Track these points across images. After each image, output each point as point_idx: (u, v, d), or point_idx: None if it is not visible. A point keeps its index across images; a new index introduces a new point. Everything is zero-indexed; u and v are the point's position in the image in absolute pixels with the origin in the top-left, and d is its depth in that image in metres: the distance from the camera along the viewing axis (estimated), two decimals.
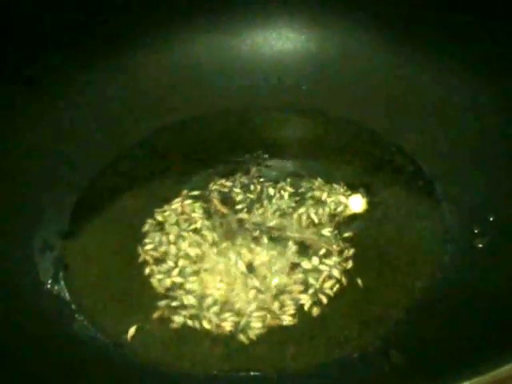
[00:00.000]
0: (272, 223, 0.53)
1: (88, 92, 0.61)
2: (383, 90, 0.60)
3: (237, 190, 0.55)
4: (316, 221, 0.53)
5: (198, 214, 0.54)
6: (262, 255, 0.50)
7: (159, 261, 0.51)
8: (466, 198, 0.53)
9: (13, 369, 0.43)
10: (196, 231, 0.52)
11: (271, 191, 0.55)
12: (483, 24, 0.56)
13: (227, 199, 0.55)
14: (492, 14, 0.55)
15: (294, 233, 0.52)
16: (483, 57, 0.56)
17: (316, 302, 0.48)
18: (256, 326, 0.47)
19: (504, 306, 0.44)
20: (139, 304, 0.49)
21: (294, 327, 0.47)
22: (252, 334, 0.47)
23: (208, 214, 0.54)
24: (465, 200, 0.53)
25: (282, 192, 0.55)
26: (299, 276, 0.49)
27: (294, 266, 0.50)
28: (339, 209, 0.54)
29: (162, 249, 0.52)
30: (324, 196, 0.54)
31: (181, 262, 0.51)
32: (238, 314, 0.48)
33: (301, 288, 0.49)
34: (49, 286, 0.50)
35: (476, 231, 0.50)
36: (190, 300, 0.48)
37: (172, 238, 0.52)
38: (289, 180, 0.56)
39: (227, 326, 0.47)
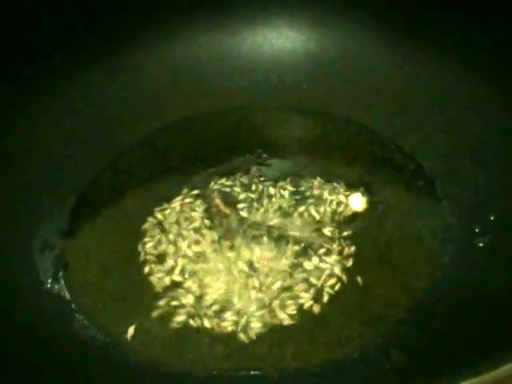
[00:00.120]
0: (272, 222, 0.53)
1: (88, 92, 0.61)
2: (383, 89, 0.60)
3: (237, 189, 0.55)
4: (316, 220, 0.53)
5: (198, 212, 0.54)
6: (262, 254, 0.50)
7: (159, 260, 0.51)
8: (466, 196, 0.53)
9: (13, 368, 0.43)
10: (196, 230, 0.52)
11: (271, 190, 0.55)
12: (483, 24, 0.56)
13: (229, 199, 0.55)
14: (492, 13, 0.55)
15: (295, 232, 0.52)
16: (483, 56, 0.56)
17: (316, 301, 0.48)
18: (256, 326, 0.47)
19: (504, 305, 0.44)
20: (139, 303, 0.49)
21: (295, 326, 0.47)
22: (252, 334, 0.47)
23: (208, 212, 0.54)
24: (465, 199, 0.53)
25: (283, 191, 0.55)
26: (300, 275, 0.49)
27: (295, 265, 0.50)
28: (339, 208, 0.54)
29: (162, 248, 0.52)
30: (324, 195, 0.54)
31: (181, 261, 0.51)
32: (238, 313, 0.48)
33: (301, 287, 0.49)
34: (49, 286, 0.50)
35: (476, 230, 0.50)
36: (190, 299, 0.48)
37: (172, 236, 0.52)
38: (289, 179, 0.56)
39: (227, 326, 0.47)
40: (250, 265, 0.50)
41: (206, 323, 0.47)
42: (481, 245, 0.50)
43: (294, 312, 0.48)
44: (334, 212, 0.53)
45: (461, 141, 0.56)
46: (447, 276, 0.49)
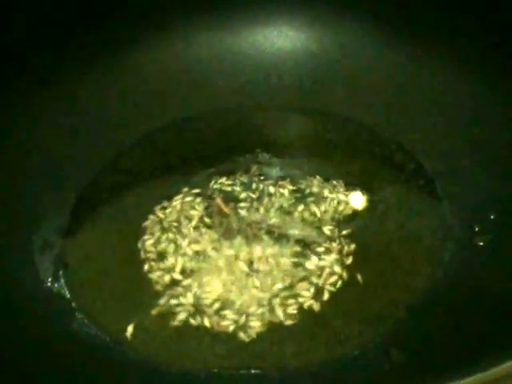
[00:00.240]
0: (272, 221, 0.52)
1: (88, 92, 0.61)
2: (383, 88, 0.60)
3: (237, 188, 0.55)
4: (316, 218, 0.53)
5: (198, 211, 0.54)
6: (262, 253, 0.50)
7: (159, 258, 0.51)
8: (466, 195, 0.53)
9: (13, 368, 0.43)
10: (196, 228, 0.52)
11: (271, 189, 0.55)
12: (483, 24, 0.56)
13: (229, 198, 0.55)
14: (492, 13, 0.55)
15: (295, 230, 0.52)
16: (483, 55, 0.56)
17: (317, 300, 0.48)
18: (256, 324, 0.47)
19: (504, 304, 0.44)
20: (139, 302, 0.49)
21: (295, 325, 0.47)
22: (252, 332, 0.47)
23: (209, 211, 0.54)
24: (465, 198, 0.53)
25: (283, 190, 0.55)
26: (300, 273, 0.49)
27: (295, 264, 0.50)
28: (339, 207, 0.54)
29: (162, 246, 0.52)
30: (324, 194, 0.54)
31: (181, 260, 0.51)
32: (238, 311, 0.48)
33: (301, 285, 0.49)
34: (49, 285, 0.50)
35: (477, 229, 0.50)
36: (190, 298, 0.48)
37: (172, 235, 0.52)
38: (289, 178, 0.56)
39: (227, 324, 0.47)
40: (250, 264, 0.50)
41: (206, 322, 0.47)
42: (481, 244, 0.50)
43: (295, 311, 0.48)
44: (334, 211, 0.53)
45: (461, 140, 0.56)
46: (447, 275, 0.49)
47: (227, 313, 0.48)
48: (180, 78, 0.62)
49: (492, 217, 0.51)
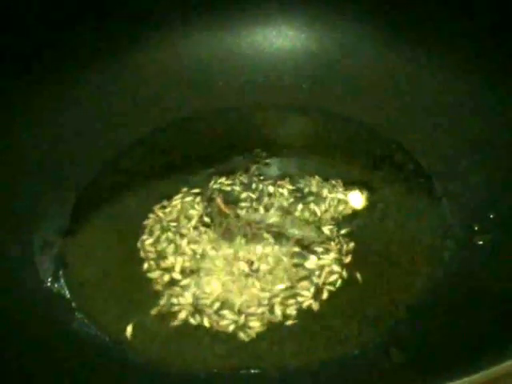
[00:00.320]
0: (272, 221, 0.52)
1: (88, 91, 0.61)
2: (383, 88, 0.60)
3: (237, 188, 0.55)
4: (316, 218, 0.53)
5: (198, 211, 0.54)
6: (262, 253, 0.50)
7: (159, 258, 0.51)
8: (466, 195, 0.53)
9: (13, 367, 0.43)
10: (196, 228, 0.52)
11: (271, 189, 0.55)
12: (483, 23, 0.56)
13: (228, 198, 0.55)
14: (492, 13, 0.55)
15: (294, 230, 0.52)
16: (483, 55, 0.56)
17: (316, 300, 0.48)
18: (256, 324, 0.47)
19: (504, 303, 0.44)
20: (139, 301, 0.49)
21: (294, 325, 0.47)
22: (252, 332, 0.47)
23: (208, 211, 0.54)
24: (465, 197, 0.53)
25: (282, 190, 0.55)
26: (299, 273, 0.49)
27: (294, 263, 0.50)
28: (339, 206, 0.54)
29: (162, 246, 0.52)
30: (324, 193, 0.54)
31: (180, 259, 0.51)
32: (238, 311, 0.48)
33: (301, 285, 0.49)
34: (49, 284, 0.50)
35: (476, 228, 0.50)
36: (189, 297, 0.48)
37: (172, 234, 0.52)
38: (288, 178, 0.56)
39: (227, 324, 0.47)
40: (250, 263, 0.50)
41: (206, 322, 0.47)
42: (480, 243, 0.50)
43: (294, 310, 0.48)
44: (334, 210, 0.53)
45: (460, 140, 0.56)
46: (447, 274, 0.49)
47: (227, 313, 0.48)
48: (180, 78, 0.63)
49: (491, 216, 0.51)
